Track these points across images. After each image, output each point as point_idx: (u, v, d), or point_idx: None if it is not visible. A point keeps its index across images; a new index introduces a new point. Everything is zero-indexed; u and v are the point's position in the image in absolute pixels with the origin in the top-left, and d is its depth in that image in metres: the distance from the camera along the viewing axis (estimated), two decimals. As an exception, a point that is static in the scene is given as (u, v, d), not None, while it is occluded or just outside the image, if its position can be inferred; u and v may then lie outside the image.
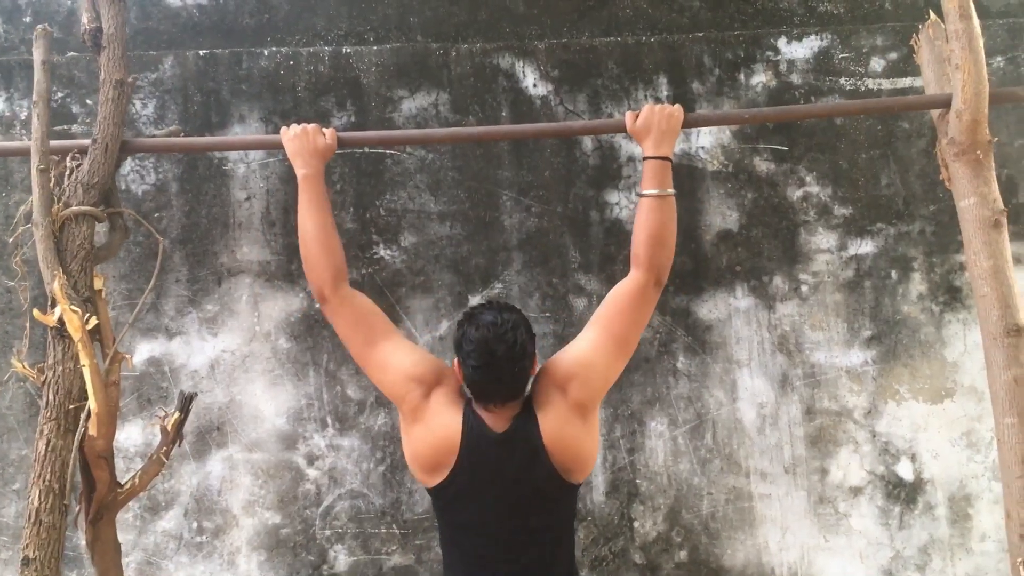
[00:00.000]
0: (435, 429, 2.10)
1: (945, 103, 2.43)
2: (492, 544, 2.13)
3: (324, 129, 2.34)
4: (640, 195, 2.23)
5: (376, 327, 2.20)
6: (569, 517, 2.23)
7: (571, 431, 2.09)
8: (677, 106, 2.34)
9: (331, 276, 2.19)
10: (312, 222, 2.23)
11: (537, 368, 2.17)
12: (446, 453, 2.08)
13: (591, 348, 2.15)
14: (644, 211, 2.21)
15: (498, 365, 2.03)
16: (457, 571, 2.19)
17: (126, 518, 3.06)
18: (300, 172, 2.28)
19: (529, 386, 2.16)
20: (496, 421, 2.10)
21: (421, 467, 2.15)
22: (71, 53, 3.28)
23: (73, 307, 2.22)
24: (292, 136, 2.32)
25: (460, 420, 2.09)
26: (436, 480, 2.12)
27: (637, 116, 2.33)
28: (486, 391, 2.07)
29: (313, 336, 3.18)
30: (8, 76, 3.26)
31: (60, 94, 3.24)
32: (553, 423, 2.08)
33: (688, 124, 2.39)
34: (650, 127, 2.29)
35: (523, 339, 2.07)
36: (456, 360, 2.13)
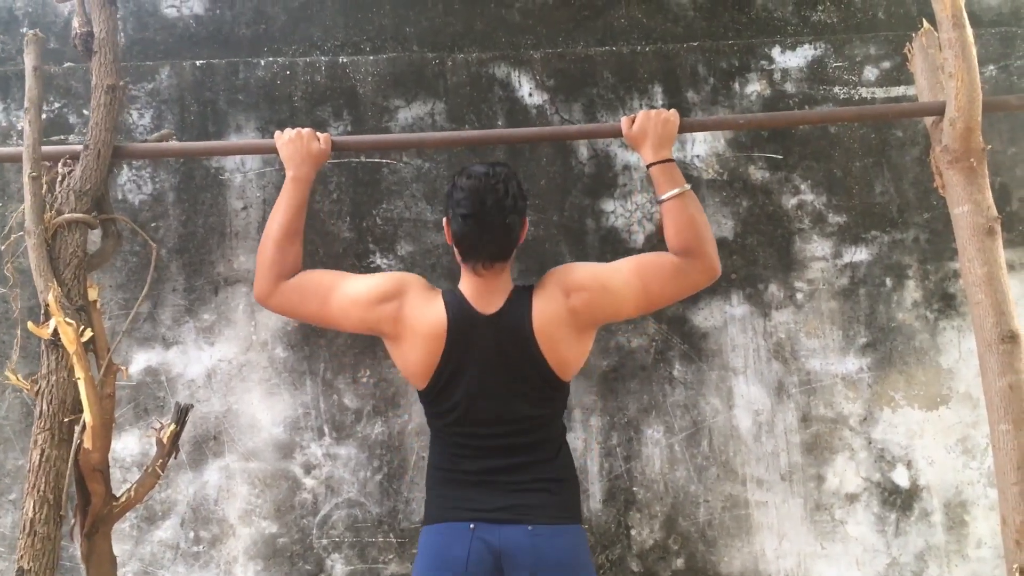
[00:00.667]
0: (419, 329, 2.08)
1: (939, 111, 2.45)
2: (479, 434, 2.12)
3: (319, 134, 2.34)
4: (660, 202, 2.22)
5: (322, 286, 2.18)
6: (558, 412, 2.21)
7: (561, 332, 2.08)
8: (673, 111, 2.33)
9: (275, 277, 2.18)
10: (281, 223, 2.21)
11: (526, 231, 2.15)
12: (434, 344, 2.07)
13: (620, 278, 2.14)
14: (673, 214, 2.19)
15: (488, 215, 2.02)
16: (443, 464, 2.17)
17: (123, 528, 3.05)
18: (290, 174, 2.28)
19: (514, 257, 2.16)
20: (484, 299, 2.10)
21: (414, 372, 2.13)
22: (68, 64, 3.29)
23: (68, 320, 2.20)
24: (286, 140, 2.32)
25: (442, 307, 2.08)
26: (428, 376, 2.11)
27: (633, 121, 2.33)
28: (474, 245, 2.06)
29: (310, 345, 3.18)
30: (5, 87, 3.27)
31: (57, 104, 3.25)
32: (546, 315, 2.07)
33: (684, 129, 2.39)
34: (646, 133, 2.29)
35: (515, 191, 2.06)
36: (446, 219, 2.12)
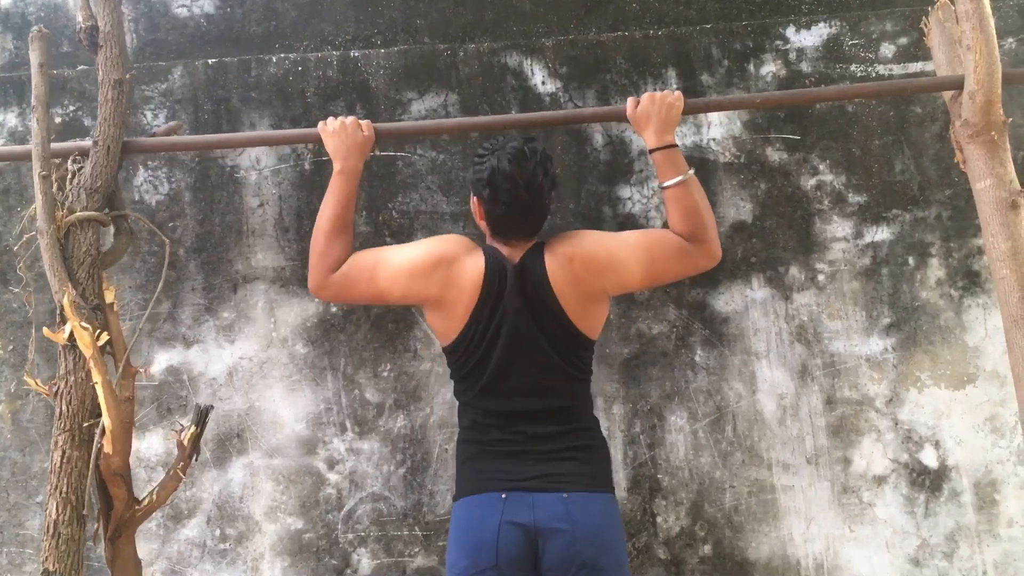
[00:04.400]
0: (462, 284, 2.10)
1: (958, 85, 2.42)
2: (507, 396, 2.12)
3: (362, 122, 2.33)
4: (663, 188, 2.21)
5: (366, 265, 2.19)
6: (585, 377, 2.20)
7: (571, 290, 2.09)
8: (677, 94, 2.31)
9: (328, 270, 2.20)
10: (331, 216, 2.22)
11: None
12: (470, 295, 2.09)
13: (623, 247, 2.15)
14: (675, 200, 2.18)
15: (530, 200, 2.05)
16: (473, 436, 2.17)
17: (149, 527, 3.07)
18: (336, 167, 2.27)
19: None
20: (512, 253, 2.12)
21: (447, 320, 2.14)
22: (82, 67, 3.30)
23: (83, 324, 2.19)
24: (332, 131, 2.31)
25: (482, 261, 2.10)
26: (460, 326, 2.11)
27: (638, 104, 2.31)
28: (511, 224, 2.09)
29: (330, 340, 3.19)
30: (20, 90, 3.28)
31: (72, 107, 3.26)
32: (556, 273, 2.09)
33: (689, 110, 2.37)
34: (650, 116, 2.27)
35: (550, 170, 2.09)
36: (476, 198, 2.12)
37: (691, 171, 2.21)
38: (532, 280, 2.09)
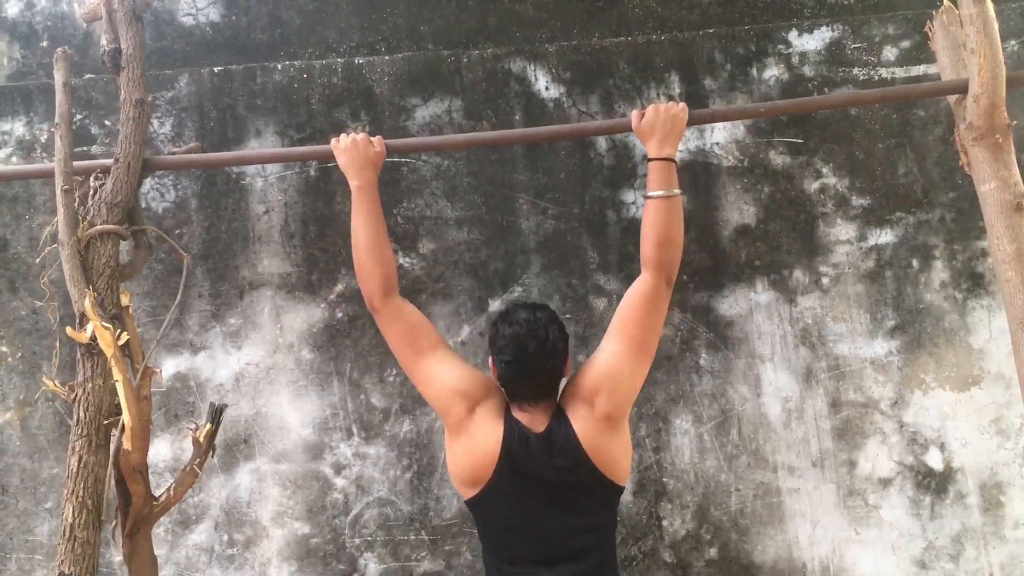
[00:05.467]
0: (478, 440, 2.12)
1: (962, 88, 2.42)
2: (534, 547, 2.12)
3: (373, 138, 2.36)
4: (646, 197, 2.23)
5: (423, 339, 2.21)
6: (611, 521, 2.21)
7: (603, 440, 2.11)
8: (682, 106, 2.33)
9: (381, 287, 2.22)
10: (364, 233, 2.25)
11: (570, 369, 2.19)
12: (487, 459, 2.10)
13: (613, 358, 2.15)
14: (651, 213, 2.21)
15: (530, 361, 2.06)
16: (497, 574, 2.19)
17: (158, 533, 3.08)
18: (353, 184, 2.30)
19: (561, 389, 2.18)
20: (534, 422, 2.12)
21: (463, 478, 2.16)
22: (88, 75, 3.33)
23: (104, 324, 2.25)
24: (344, 148, 2.33)
25: (502, 427, 2.11)
26: (477, 488, 2.13)
27: (643, 115, 2.33)
28: (519, 388, 2.11)
29: (336, 346, 3.20)
30: (28, 100, 3.31)
31: (79, 116, 3.28)
32: (586, 429, 2.10)
33: (694, 121, 2.39)
34: (654, 128, 2.29)
35: (555, 335, 2.10)
36: (491, 360, 2.16)
37: (678, 191, 2.22)
38: (561, 448, 2.10)
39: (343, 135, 2.36)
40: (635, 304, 2.18)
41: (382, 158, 2.36)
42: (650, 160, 2.27)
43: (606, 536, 2.19)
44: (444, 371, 2.17)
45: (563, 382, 2.19)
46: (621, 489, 2.18)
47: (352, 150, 2.32)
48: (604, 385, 2.11)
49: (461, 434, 2.14)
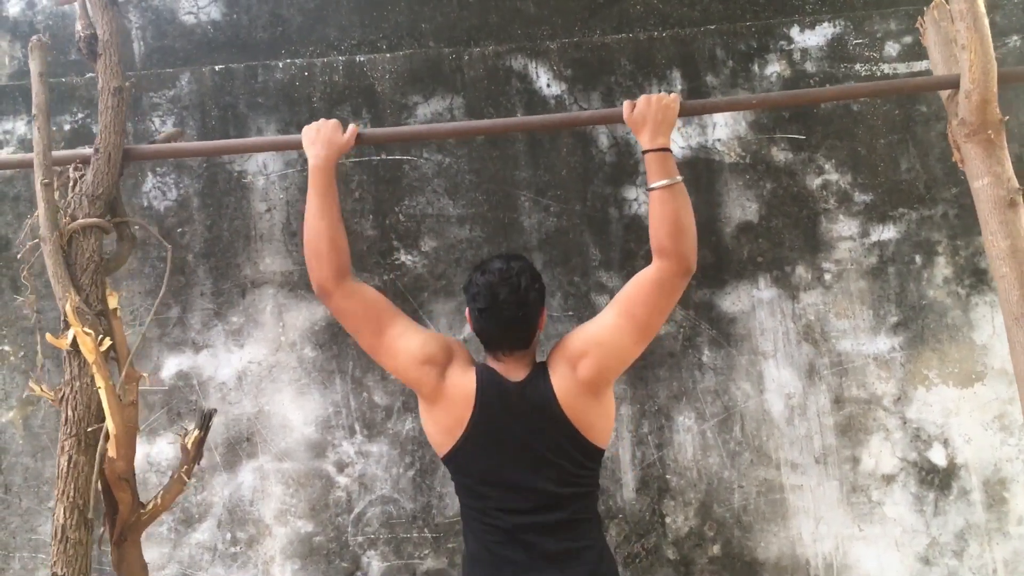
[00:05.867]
0: (452, 398, 2.12)
1: (953, 84, 2.41)
2: (511, 497, 2.12)
3: (348, 125, 2.35)
4: (650, 189, 2.22)
5: (382, 316, 2.19)
6: (592, 477, 2.20)
7: (580, 402, 2.10)
8: (674, 96, 2.32)
9: (334, 271, 2.18)
10: (319, 214, 2.21)
11: (544, 320, 2.18)
12: (462, 411, 2.10)
13: (609, 329, 2.13)
14: (658, 204, 2.19)
15: (503, 307, 2.07)
16: (476, 532, 2.17)
17: (160, 531, 3.08)
18: (310, 163, 2.28)
19: (537, 342, 2.19)
20: (510, 372, 2.13)
21: (441, 434, 2.15)
22: (90, 74, 3.33)
23: (86, 329, 2.19)
24: (308, 129, 2.33)
25: (474, 377, 2.12)
26: (453, 440, 2.12)
27: (634, 106, 2.32)
28: (492, 336, 2.12)
29: (338, 344, 3.20)
30: (29, 99, 3.29)
31: (80, 115, 3.28)
32: (565, 389, 2.10)
33: (686, 112, 2.38)
34: (646, 118, 2.28)
35: (527, 283, 2.10)
36: (467, 310, 2.17)
37: (679, 178, 2.21)
38: (538, 401, 2.10)
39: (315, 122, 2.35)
40: (646, 287, 2.15)
41: (348, 145, 2.33)
42: (645, 152, 2.27)
43: (585, 491, 2.17)
44: (408, 342, 2.15)
45: (539, 335, 2.18)
46: (600, 451, 2.16)
47: (315, 128, 2.31)
48: (591, 351, 2.10)
49: (437, 399, 2.14)
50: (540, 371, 2.14)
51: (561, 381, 2.11)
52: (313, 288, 2.22)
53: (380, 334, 2.18)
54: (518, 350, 2.13)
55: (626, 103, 2.33)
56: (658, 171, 2.21)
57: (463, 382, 2.12)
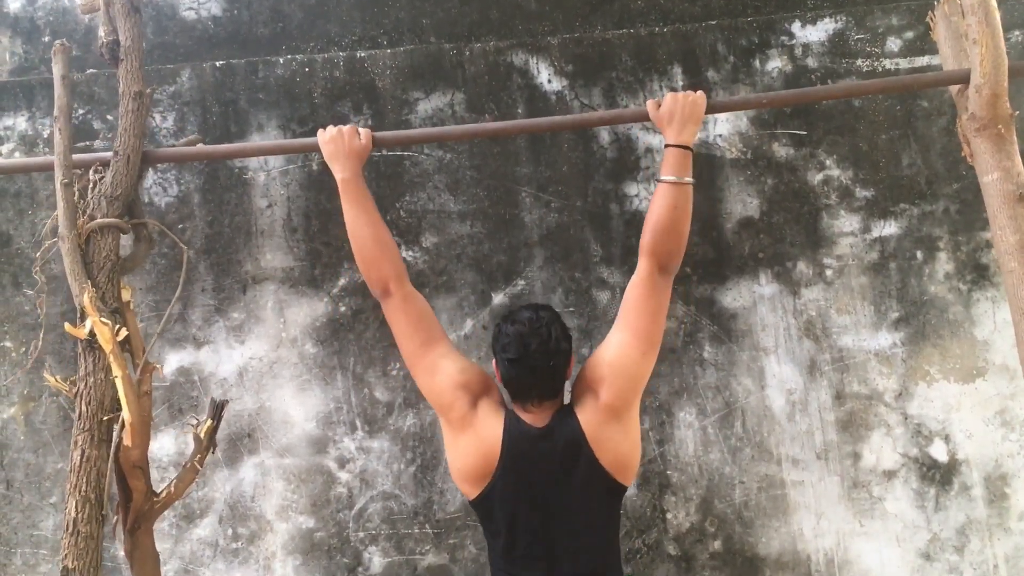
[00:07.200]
0: (480, 435, 2.11)
1: (964, 79, 2.41)
2: (535, 546, 2.12)
3: (360, 129, 2.35)
4: (658, 181, 2.23)
5: (433, 329, 2.21)
6: (614, 522, 2.21)
7: (608, 432, 2.10)
8: (700, 93, 2.33)
9: (394, 271, 2.21)
10: (362, 222, 2.24)
11: (572, 368, 2.18)
12: (489, 457, 2.10)
13: (616, 348, 2.15)
14: (658, 197, 2.21)
15: (532, 359, 2.06)
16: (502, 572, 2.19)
17: (162, 527, 3.09)
18: (338, 176, 2.29)
19: (568, 388, 2.19)
20: (536, 419, 2.12)
21: (466, 476, 2.16)
22: (90, 70, 3.33)
23: (103, 319, 2.25)
24: (328, 139, 2.32)
25: (502, 424, 2.11)
26: (480, 487, 2.13)
27: (660, 104, 2.32)
28: (522, 387, 2.10)
29: (339, 340, 3.20)
30: (30, 95, 3.30)
31: (81, 111, 3.28)
32: (591, 422, 2.09)
33: (711, 110, 2.39)
34: (673, 114, 2.29)
35: (557, 334, 2.10)
36: (494, 361, 2.16)
37: (690, 180, 2.22)
38: (564, 444, 2.09)
39: (331, 126, 2.35)
40: (632, 293, 2.18)
41: (368, 150, 2.36)
42: (667, 146, 2.27)
43: (609, 536, 2.18)
44: (449, 363, 2.17)
45: (568, 384, 2.19)
46: (624, 488, 2.17)
47: (337, 141, 2.31)
48: (606, 373, 2.11)
49: (465, 429, 2.13)
50: (566, 411, 2.14)
51: (587, 414, 2.10)
52: (372, 290, 2.24)
53: (427, 347, 2.19)
54: (547, 400, 2.13)
55: (650, 101, 2.35)
56: (673, 166, 2.22)
57: (491, 423, 2.12)
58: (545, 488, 2.10)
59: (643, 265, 2.17)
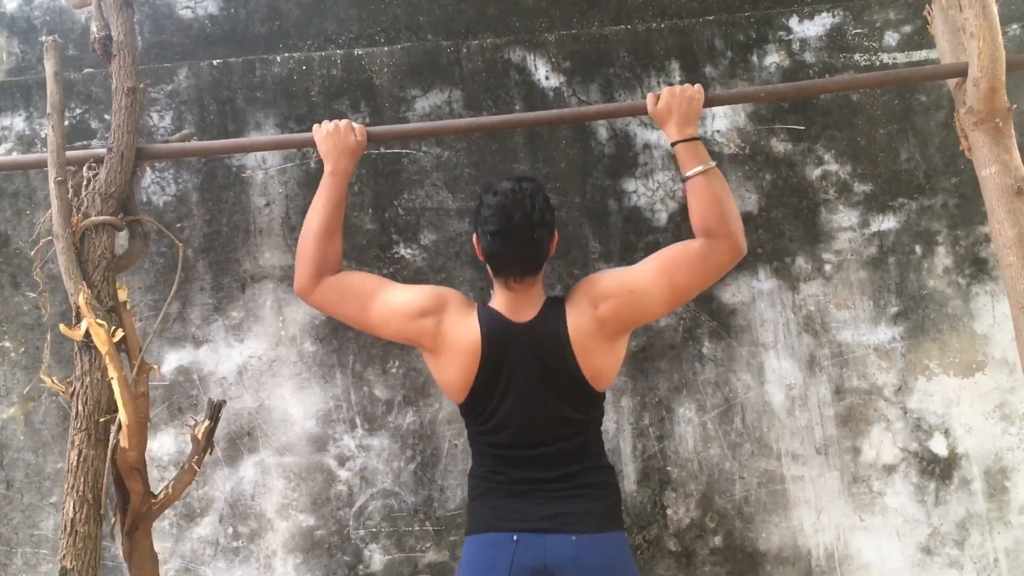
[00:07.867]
0: (457, 344, 2.10)
1: (961, 72, 2.41)
2: (520, 437, 2.12)
3: (355, 125, 2.35)
4: (685, 179, 2.20)
5: (363, 291, 2.19)
6: (596, 417, 2.21)
7: (592, 344, 2.08)
8: (697, 86, 2.32)
9: (316, 273, 2.19)
10: (321, 218, 2.22)
11: (555, 244, 2.16)
12: (471, 356, 2.09)
13: (644, 281, 2.12)
14: (699, 190, 2.17)
15: (516, 230, 2.03)
16: (485, 474, 2.18)
17: (162, 526, 3.09)
18: (329, 168, 2.28)
19: (544, 270, 2.17)
20: (518, 310, 2.11)
21: (454, 385, 2.15)
22: (87, 69, 3.32)
23: (99, 320, 2.23)
24: (324, 134, 2.32)
25: (476, 322, 2.10)
26: (466, 389, 2.12)
27: (658, 99, 2.31)
28: (504, 260, 2.07)
29: (338, 338, 3.20)
30: (27, 95, 3.30)
31: (79, 111, 3.28)
32: (578, 325, 2.08)
33: (709, 103, 2.38)
34: (671, 110, 2.28)
35: (540, 206, 2.06)
36: (475, 235, 2.13)
37: (713, 163, 2.20)
38: (547, 340, 2.09)
39: (326, 121, 2.35)
40: (692, 255, 2.14)
41: (362, 147, 2.35)
42: (675, 144, 2.26)
43: (590, 425, 2.18)
44: (394, 302, 2.15)
45: (548, 258, 2.17)
46: (601, 395, 2.16)
47: (334, 135, 2.30)
48: (619, 295, 2.09)
49: (442, 347, 2.12)
50: (553, 306, 2.12)
51: (577, 317, 2.08)
52: (295, 286, 2.23)
53: (366, 308, 2.17)
54: (529, 275, 2.09)
55: (650, 96, 2.33)
56: (691, 159, 2.20)
57: (465, 328, 2.10)
58: (524, 381, 2.09)
59: (714, 243, 2.13)
